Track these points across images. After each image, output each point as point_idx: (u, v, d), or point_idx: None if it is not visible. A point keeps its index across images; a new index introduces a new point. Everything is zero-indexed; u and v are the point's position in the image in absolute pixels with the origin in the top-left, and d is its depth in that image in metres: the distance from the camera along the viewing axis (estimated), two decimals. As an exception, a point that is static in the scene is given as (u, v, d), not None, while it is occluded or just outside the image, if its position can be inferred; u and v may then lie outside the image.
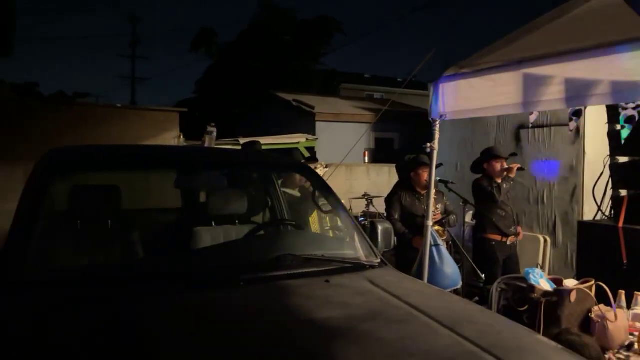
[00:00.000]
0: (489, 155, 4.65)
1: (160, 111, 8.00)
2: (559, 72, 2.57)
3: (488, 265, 4.33)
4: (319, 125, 10.40)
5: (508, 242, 4.51)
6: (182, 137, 6.88)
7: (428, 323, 1.72)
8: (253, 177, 3.63)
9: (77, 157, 2.61)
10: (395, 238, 3.41)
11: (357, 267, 2.32)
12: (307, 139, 9.19)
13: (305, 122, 10.46)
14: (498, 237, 4.49)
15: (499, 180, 4.54)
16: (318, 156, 6.75)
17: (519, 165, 4.64)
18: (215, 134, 5.72)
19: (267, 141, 8.20)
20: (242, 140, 7.21)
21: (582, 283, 2.74)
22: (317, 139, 9.60)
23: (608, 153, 4.27)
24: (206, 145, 5.67)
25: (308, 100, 11.32)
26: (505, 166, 4.55)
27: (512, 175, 4.58)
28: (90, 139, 6.00)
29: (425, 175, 4.22)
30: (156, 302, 1.79)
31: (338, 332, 1.58)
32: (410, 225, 4.20)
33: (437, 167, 3.74)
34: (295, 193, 3.91)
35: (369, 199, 6.86)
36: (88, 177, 2.88)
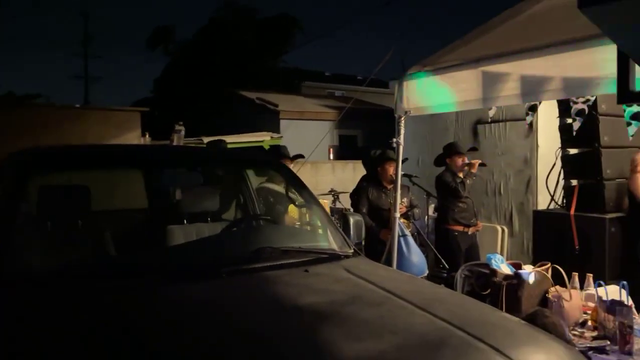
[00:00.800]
0: (451, 150, 4.86)
1: (121, 111, 7.88)
2: (515, 70, 2.75)
3: (451, 254, 4.54)
4: (282, 123, 10.47)
5: (469, 232, 4.74)
6: (147, 136, 6.79)
7: (403, 305, 1.84)
8: (224, 175, 3.67)
9: (51, 157, 2.59)
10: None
11: (333, 257, 2.42)
12: (271, 137, 9.24)
13: (269, 120, 10.50)
14: (460, 228, 4.71)
15: (461, 175, 4.75)
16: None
17: (480, 161, 4.87)
18: (183, 132, 5.71)
19: (232, 140, 8.20)
20: (206, 139, 7.20)
21: (539, 266, 2.95)
22: (281, 136, 9.66)
23: (559, 145, 4.55)
24: (175, 144, 5.65)
25: (271, 98, 11.36)
26: (467, 161, 4.77)
27: (474, 171, 4.81)
28: (49, 141, 5.85)
29: (391, 170, 4.39)
30: (139, 296, 1.83)
31: (323, 316, 1.68)
32: (377, 219, 4.35)
33: (402, 161, 3.90)
34: (280, 189, 3.96)
35: (335, 194, 6.98)
36: (58, 177, 2.86)
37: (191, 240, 2.58)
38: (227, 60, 18.50)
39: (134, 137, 7.13)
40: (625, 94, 0.97)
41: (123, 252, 2.59)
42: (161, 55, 21.38)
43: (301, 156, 5.16)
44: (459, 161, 4.74)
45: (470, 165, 4.74)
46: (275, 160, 3.83)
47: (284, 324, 1.64)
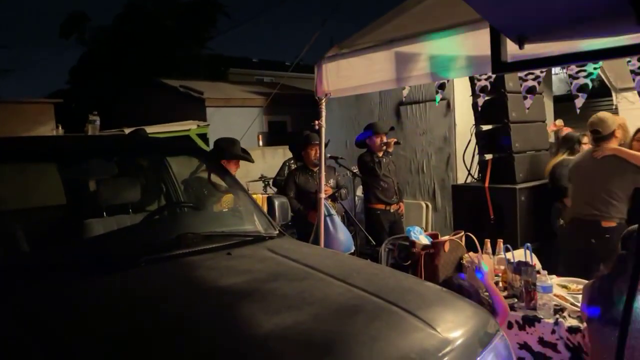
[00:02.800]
0: (370, 131, 5.01)
1: (32, 103, 7.38)
2: (425, 50, 2.88)
3: (376, 231, 4.72)
4: (209, 111, 10.25)
5: (391, 210, 4.95)
6: (60, 128, 6.42)
7: (323, 278, 1.91)
8: (144, 164, 3.57)
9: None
10: (292, 214, 3.61)
11: (257, 239, 2.45)
12: (198, 126, 9.03)
13: (194, 108, 10.24)
14: (382, 206, 4.92)
15: (380, 154, 4.92)
16: (211, 143, 6.68)
17: (395, 140, 5.07)
18: (98, 122, 5.45)
19: (156, 130, 7.94)
20: (128, 130, 6.92)
21: (454, 235, 3.13)
22: (208, 125, 9.47)
23: (473, 122, 4.82)
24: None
25: (196, 85, 11.06)
26: (385, 140, 4.94)
27: (390, 150, 5.00)
28: (-49, 137, 5.39)
29: (313, 153, 4.47)
30: (53, 292, 1.77)
31: (243, 294, 1.71)
32: (305, 202, 4.42)
33: (325, 144, 3.97)
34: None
35: (265, 181, 6.99)
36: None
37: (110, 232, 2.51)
38: (149, 48, 17.77)
39: (47, 130, 6.72)
40: (498, 65, 1.07)
41: (36, 249, 2.48)
42: (76, 44, 20.14)
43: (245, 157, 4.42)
44: (377, 140, 4.91)
45: (387, 144, 4.93)
46: (193, 146, 3.77)
47: (203, 306, 1.65)
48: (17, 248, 2.43)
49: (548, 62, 1.12)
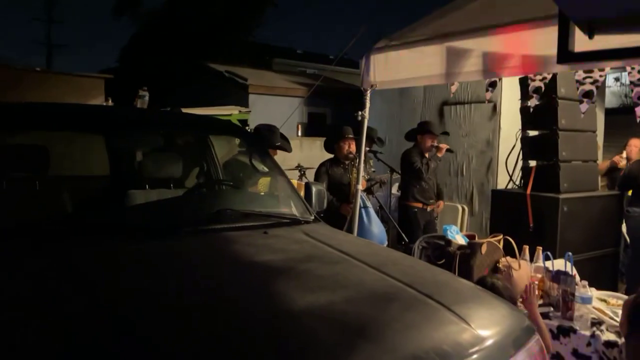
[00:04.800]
0: (424, 129, 4.95)
1: (84, 77, 7.60)
2: (477, 46, 2.82)
3: (410, 228, 4.69)
4: (252, 98, 10.35)
5: (428, 209, 4.89)
6: (110, 102, 6.61)
7: (357, 264, 1.90)
8: (188, 141, 3.64)
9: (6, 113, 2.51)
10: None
11: (293, 221, 2.47)
12: (239, 111, 9.13)
13: (237, 94, 10.37)
14: (419, 205, 4.87)
15: (427, 155, 4.87)
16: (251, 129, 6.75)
17: (447, 147, 4.99)
18: (147, 98, 5.57)
19: (199, 112, 8.07)
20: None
21: (492, 237, 3.07)
22: (249, 111, 9.56)
23: (520, 127, 4.69)
24: (138, 110, 5.50)
25: (241, 72, 11.20)
26: (436, 144, 4.88)
27: (440, 155, 4.94)
28: (6, 104, 5.62)
29: (346, 147, 4.46)
30: (97, 253, 1.83)
31: (278, 271, 1.72)
32: (337, 194, 4.42)
33: (379, 140, 3.92)
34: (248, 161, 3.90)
35: (301, 170, 7.01)
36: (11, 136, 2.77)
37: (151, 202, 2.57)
38: (197, 31, 18.09)
39: (98, 103, 6.93)
40: (564, 54, 1.03)
41: (82, 212, 2.56)
42: (128, 24, 20.73)
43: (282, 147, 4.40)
44: (429, 141, 4.86)
45: (438, 148, 4.86)
46: (236, 127, 3.81)
47: (239, 278, 1.67)
48: (62, 211, 2.53)
49: (619, 54, 1.07)
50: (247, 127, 7.99)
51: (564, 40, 1.03)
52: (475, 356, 1.45)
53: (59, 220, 2.13)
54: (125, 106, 6.25)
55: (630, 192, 5.00)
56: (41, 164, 2.55)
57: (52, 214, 2.35)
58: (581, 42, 1.11)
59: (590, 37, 1.02)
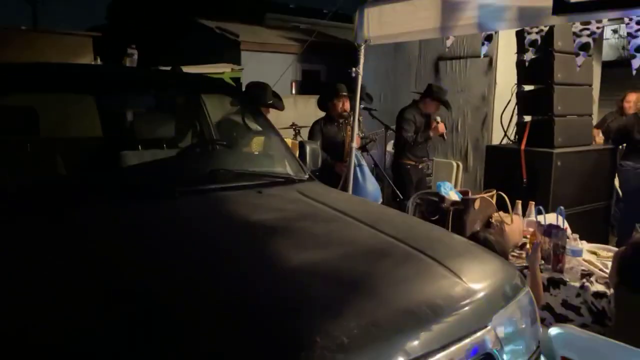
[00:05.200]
0: (432, 93, 4.89)
1: (71, 35, 7.41)
2: (473, -1, 2.75)
3: (404, 185, 4.72)
4: (244, 55, 10.14)
5: (420, 166, 4.93)
6: (99, 61, 6.48)
7: (351, 222, 1.92)
8: (180, 100, 3.58)
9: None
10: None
11: (287, 181, 2.47)
12: (232, 69, 8.98)
13: (229, 51, 10.15)
14: (412, 162, 4.89)
15: (433, 123, 4.84)
16: (244, 88, 6.65)
17: (445, 132, 4.97)
18: (136, 56, 5.46)
19: (191, 70, 7.92)
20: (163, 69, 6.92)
21: (485, 193, 3.09)
22: (242, 69, 9.41)
23: (516, 82, 4.64)
24: (127, 69, 5.40)
25: (232, 27, 10.92)
26: (438, 119, 4.82)
27: (432, 135, 4.90)
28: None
29: (340, 105, 4.42)
30: (93, 213, 1.83)
31: (272, 230, 1.74)
32: (332, 152, 4.41)
33: (367, 96, 3.87)
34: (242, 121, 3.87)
35: (296, 128, 6.97)
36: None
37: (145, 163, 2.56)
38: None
39: (86, 62, 6.78)
40: (560, 5, 1.00)
41: (73, 174, 2.55)
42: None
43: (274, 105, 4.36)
44: (433, 106, 4.86)
45: (435, 128, 4.83)
46: (229, 85, 3.76)
47: (234, 237, 1.69)
48: (52, 174, 2.51)
49: (615, 3, 1.04)
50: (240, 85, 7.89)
51: (560, -10, 1.00)
52: (466, 308, 1.48)
53: (49, 182, 2.11)
54: (115, 65, 6.12)
55: (624, 146, 5.02)
56: (29, 127, 2.52)
57: (41, 176, 2.32)
58: None
59: (587, -14, 0.99)
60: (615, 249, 2.81)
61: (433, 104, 4.88)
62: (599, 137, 4.96)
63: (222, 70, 8.89)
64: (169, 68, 5.86)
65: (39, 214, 1.78)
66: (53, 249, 1.55)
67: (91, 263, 1.45)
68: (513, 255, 2.91)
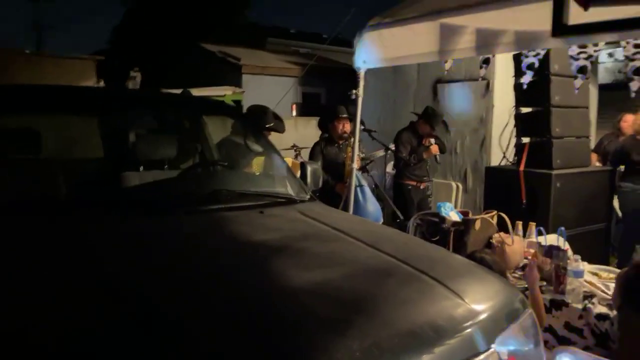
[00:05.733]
0: (427, 116, 4.95)
1: (75, 59, 7.51)
2: (471, 23, 2.80)
3: (405, 206, 4.74)
4: (245, 78, 10.27)
5: (421, 187, 4.96)
6: (102, 83, 6.55)
7: (352, 242, 1.92)
8: (181, 122, 3.61)
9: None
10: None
11: (288, 201, 2.47)
12: (233, 92, 9.08)
13: (231, 74, 10.27)
14: (413, 183, 4.92)
15: (426, 143, 4.88)
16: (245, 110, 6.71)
17: (437, 153, 5.01)
18: (139, 79, 5.52)
19: (193, 93, 7.99)
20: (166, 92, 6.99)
21: (485, 214, 3.10)
22: (243, 91, 9.51)
23: (514, 104, 4.69)
24: (129, 92, 5.45)
25: (234, 52, 11.08)
26: (432, 140, 4.88)
27: (425, 157, 4.97)
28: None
29: (341, 126, 4.46)
30: (95, 230, 1.83)
31: (274, 250, 1.73)
32: (333, 174, 4.43)
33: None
34: (242, 141, 3.89)
35: (297, 150, 7.01)
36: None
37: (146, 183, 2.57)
38: (189, 11, 17.81)
39: (89, 85, 6.85)
40: (559, 27, 1.03)
41: (75, 196, 2.55)
42: (118, 5, 20.38)
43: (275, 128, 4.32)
44: (427, 129, 4.88)
45: (428, 148, 4.89)
46: (230, 107, 3.79)
47: (235, 256, 1.69)
48: (55, 195, 2.51)
49: (614, 26, 1.07)
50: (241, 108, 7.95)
51: (558, 12, 1.03)
52: (469, 330, 1.47)
53: (50, 204, 2.11)
54: (117, 87, 6.18)
55: (622, 167, 5.04)
56: (33, 148, 2.54)
57: (43, 198, 2.32)
58: (576, 15, 1.11)
59: (586, 9, 1.01)
60: (617, 270, 2.80)
61: (427, 125, 4.95)
62: (596, 162, 5.00)
63: (223, 92, 8.99)
64: (179, 91, 5.92)
65: (40, 233, 1.78)
66: (52, 265, 1.55)
67: (88, 288, 1.45)
68: (514, 277, 2.90)
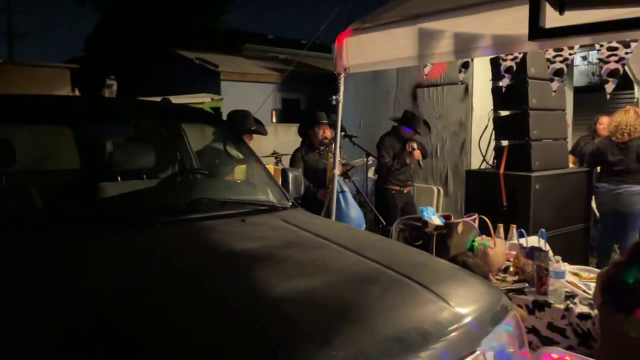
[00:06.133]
0: (407, 121, 4.96)
1: (48, 67, 7.36)
2: (449, 27, 2.83)
3: (389, 211, 4.73)
4: (223, 85, 10.20)
5: (405, 191, 4.95)
6: (77, 92, 6.43)
7: (336, 249, 1.90)
8: (160, 131, 3.56)
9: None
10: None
11: (270, 208, 2.45)
12: (212, 99, 9.00)
13: (209, 81, 10.20)
14: (397, 187, 4.92)
15: (410, 149, 4.91)
16: (224, 117, 6.66)
17: (420, 159, 5.01)
18: (115, 87, 5.43)
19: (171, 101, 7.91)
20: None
21: (467, 217, 3.11)
22: (222, 98, 9.44)
23: (492, 108, 4.74)
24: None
25: (211, 58, 11.00)
26: (414, 145, 4.90)
27: (408, 162, 4.97)
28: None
29: (321, 132, 4.46)
30: (69, 245, 1.78)
31: (257, 258, 1.71)
32: (314, 180, 4.41)
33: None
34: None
35: (277, 157, 6.98)
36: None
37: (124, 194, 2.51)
38: (164, 18, 17.66)
39: (63, 94, 6.72)
40: (536, 31, 1.03)
41: (51, 207, 2.49)
42: (92, 11, 20.09)
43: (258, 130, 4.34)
44: (409, 134, 4.91)
45: (411, 153, 4.90)
46: (209, 114, 3.75)
47: (217, 267, 1.65)
48: (30, 206, 2.44)
49: (589, 29, 1.08)
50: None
51: (534, 16, 1.03)
52: (455, 334, 1.47)
53: (26, 215, 2.05)
54: (92, 96, 6.08)
55: (599, 169, 5.13)
56: (6, 159, 2.46)
57: (18, 210, 2.26)
58: (552, 19, 1.11)
59: (561, 12, 1.02)
60: (597, 270, 2.84)
61: (406, 131, 4.96)
62: (573, 164, 5.08)
63: (202, 100, 8.91)
64: (158, 99, 5.83)
65: (14, 247, 1.72)
66: (29, 282, 1.49)
67: (67, 297, 1.40)
68: (497, 279, 2.92)
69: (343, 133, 4.85)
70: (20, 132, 3.05)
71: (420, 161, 5.08)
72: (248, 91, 9.74)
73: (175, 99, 8.37)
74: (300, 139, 4.83)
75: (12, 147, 2.52)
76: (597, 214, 5.13)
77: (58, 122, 3.07)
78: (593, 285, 2.44)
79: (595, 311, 2.35)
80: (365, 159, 5.43)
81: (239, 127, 3.97)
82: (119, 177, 2.76)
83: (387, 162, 4.88)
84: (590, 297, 2.49)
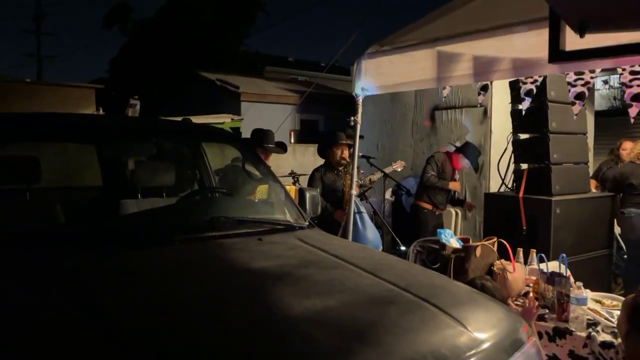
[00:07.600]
0: (462, 151, 5.09)
1: (74, 87, 7.58)
2: (468, 50, 2.84)
3: (419, 228, 4.73)
4: (244, 106, 10.35)
5: (437, 213, 4.97)
6: (101, 111, 6.59)
7: (353, 269, 1.89)
8: (180, 150, 3.61)
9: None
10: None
11: (287, 228, 2.45)
12: (232, 119, 9.13)
13: (230, 102, 10.37)
14: (430, 207, 4.91)
15: (455, 177, 5.05)
16: (243, 137, 6.75)
17: (458, 190, 5.18)
18: (138, 107, 5.55)
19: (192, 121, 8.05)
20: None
21: (486, 240, 3.07)
22: (242, 119, 9.57)
23: (511, 131, 4.71)
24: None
25: (232, 80, 11.20)
26: (457, 176, 5.08)
27: (450, 187, 5.06)
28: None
29: (339, 152, 4.47)
30: (91, 261, 1.80)
31: (274, 277, 1.71)
32: (332, 200, 4.42)
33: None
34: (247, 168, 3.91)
35: (295, 177, 7.01)
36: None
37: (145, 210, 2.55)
38: (188, 41, 18.09)
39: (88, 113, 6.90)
40: (556, 53, 1.03)
41: (73, 223, 2.53)
42: (118, 34, 20.68)
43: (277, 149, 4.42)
44: (462, 164, 5.08)
45: (455, 181, 5.04)
46: (229, 134, 3.80)
47: (235, 285, 1.66)
48: (54, 222, 2.49)
49: (610, 52, 1.08)
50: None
51: (555, 39, 1.04)
52: (472, 359, 1.44)
53: (50, 231, 2.09)
54: (116, 115, 6.23)
55: (621, 194, 5.04)
56: (32, 176, 2.52)
57: (42, 226, 2.31)
58: (572, 42, 1.12)
59: (582, 35, 1.02)
60: (620, 297, 2.76)
61: (463, 162, 4.99)
62: (594, 189, 5.01)
63: (222, 120, 9.05)
64: (179, 119, 5.95)
65: (37, 262, 1.75)
66: (51, 298, 1.52)
67: (87, 313, 1.41)
68: (516, 305, 2.85)
69: (360, 154, 4.87)
70: (46, 149, 3.13)
71: (457, 193, 5.12)
72: (268, 112, 9.86)
73: (196, 119, 8.53)
74: (317, 159, 4.86)
75: (39, 164, 2.59)
76: (620, 240, 5.02)
77: (82, 139, 3.14)
78: (616, 313, 2.38)
79: (619, 340, 2.28)
80: (383, 180, 5.43)
81: (263, 141, 4.08)
82: (139, 195, 2.80)
83: (431, 175, 4.88)
84: (614, 325, 2.42)
